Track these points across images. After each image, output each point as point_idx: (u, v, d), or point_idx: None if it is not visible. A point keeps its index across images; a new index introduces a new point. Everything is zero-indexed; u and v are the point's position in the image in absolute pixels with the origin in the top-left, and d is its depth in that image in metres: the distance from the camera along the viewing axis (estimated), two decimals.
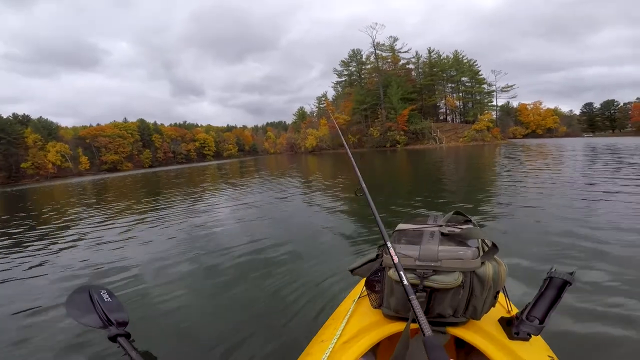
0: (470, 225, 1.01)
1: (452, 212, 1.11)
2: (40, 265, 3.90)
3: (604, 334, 1.71)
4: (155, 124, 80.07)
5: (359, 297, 1.20)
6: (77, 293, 1.91)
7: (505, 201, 5.19)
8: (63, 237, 5.40)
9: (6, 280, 3.44)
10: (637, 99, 72.22)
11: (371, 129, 47.59)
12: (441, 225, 1.00)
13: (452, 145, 37.94)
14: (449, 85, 52.28)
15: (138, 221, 6.12)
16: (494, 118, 46.96)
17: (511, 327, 0.87)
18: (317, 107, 66.53)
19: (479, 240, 0.91)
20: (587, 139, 43.26)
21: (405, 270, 0.87)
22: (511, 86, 50.25)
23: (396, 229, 1.05)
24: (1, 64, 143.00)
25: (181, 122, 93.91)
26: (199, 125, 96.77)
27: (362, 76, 55.38)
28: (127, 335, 1.66)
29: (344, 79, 58.77)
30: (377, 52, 51.05)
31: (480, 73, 50.00)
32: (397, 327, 0.92)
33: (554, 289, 0.82)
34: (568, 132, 64.94)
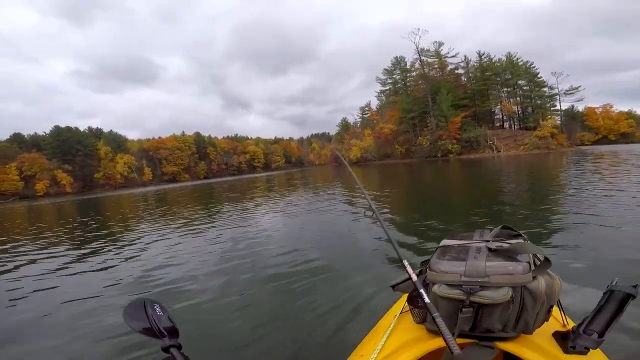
0: (520, 240, 0.99)
1: (500, 226, 1.10)
2: (99, 270, 4.32)
3: None
4: (209, 137, 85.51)
5: (400, 313, 1.18)
6: (132, 305, 1.97)
7: (570, 216, 4.88)
8: (122, 246, 5.90)
9: (67, 282, 3.87)
10: None
11: (420, 138, 46.16)
12: (488, 241, 0.99)
13: (512, 153, 35.32)
14: (504, 89, 48.95)
15: (189, 231, 6.52)
16: (558, 123, 42.93)
17: (567, 340, 0.84)
18: (360, 118, 66.36)
19: (530, 255, 0.89)
20: None
21: (450, 286, 0.88)
22: (576, 88, 45.66)
23: (440, 244, 1.04)
24: (73, 80, 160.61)
25: (233, 135, 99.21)
26: (249, 137, 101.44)
27: (408, 84, 54.06)
28: (179, 347, 1.70)
29: (388, 87, 57.94)
30: (422, 58, 49.80)
31: (539, 75, 46.30)
32: (441, 342, 0.87)
33: (615, 302, 0.79)
34: None
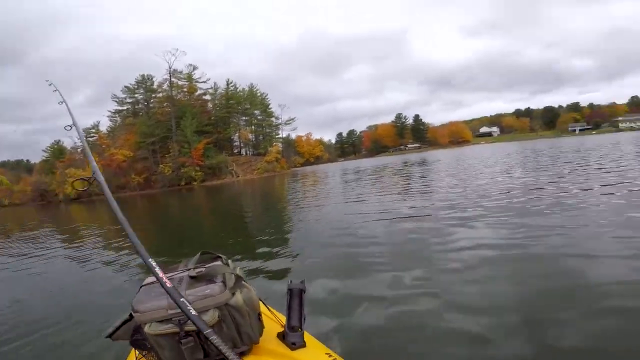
0: (217, 262, 1.04)
1: (199, 253, 1.14)
2: None
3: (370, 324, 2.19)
4: None
5: None
6: None
7: (283, 228, 6.17)
8: None
9: None
10: (367, 127, 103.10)
11: (161, 165, 43.06)
12: (190, 269, 1.02)
13: (248, 177, 39.92)
14: (243, 118, 54.21)
15: None
16: (281, 149, 51.71)
17: (287, 339, 0.97)
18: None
19: (224, 274, 0.96)
20: (341, 163, 56.79)
21: (161, 322, 0.90)
22: (293, 119, 57.38)
23: (142, 284, 1.03)
24: None
25: None
26: None
27: (151, 105, 49.57)
28: None
29: (126, 107, 50.79)
30: (173, 79, 47.38)
31: (270, 106, 54.66)
32: None
33: (297, 297, 0.97)
34: (330, 158, 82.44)
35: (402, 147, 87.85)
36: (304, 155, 71.26)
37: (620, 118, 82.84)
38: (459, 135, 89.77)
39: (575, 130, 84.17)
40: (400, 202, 7.14)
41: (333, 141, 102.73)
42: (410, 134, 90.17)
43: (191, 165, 41.49)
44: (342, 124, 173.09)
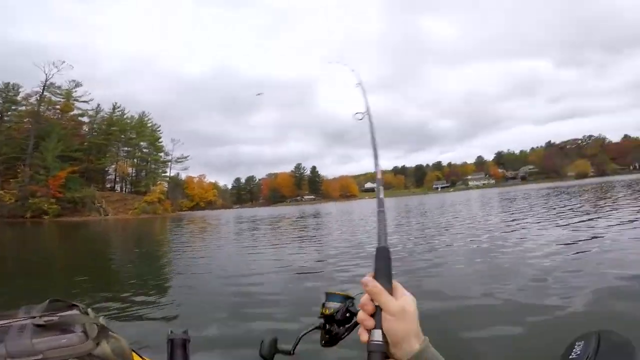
0: (73, 311, 0.91)
1: (48, 300, 0.95)
2: None
3: None
4: None
5: None
6: None
7: (169, 277, 5.81)
8: None
9: None
10: (266, 175, 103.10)
11: (2, 191, 33.82)
12: (34, 317, 0.86)
13: (121, 217, 34.47)
14: (125, 149, 47.32)
15: None
16: (166, 189, 45.94)
17: None
18: None
19: (84, 324, 0.85)
20: (236, 210, 54.13)
21: None
22: (186, 157, 51.31)
23: None
24: None
25: None
26: None
27: (7, 118, 40.33)
28: None
29: None
30: (46, 94, 39.52)
31: (160, 140, 48.53)
32: None
33: (180, 348, 0.91)
34: (224, 204, 78.18)
35: (298, 197, 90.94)
36: (193, 198, 65.14)
37: (469, 177, 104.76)
38: (348, 189, 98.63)
39: (438, 188, 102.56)
40: (294, 255, 7.14)
41: (229, 186, 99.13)
42: (307, 185, 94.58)
43: (45, 196, 33.65)
44: (241, 169, 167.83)
